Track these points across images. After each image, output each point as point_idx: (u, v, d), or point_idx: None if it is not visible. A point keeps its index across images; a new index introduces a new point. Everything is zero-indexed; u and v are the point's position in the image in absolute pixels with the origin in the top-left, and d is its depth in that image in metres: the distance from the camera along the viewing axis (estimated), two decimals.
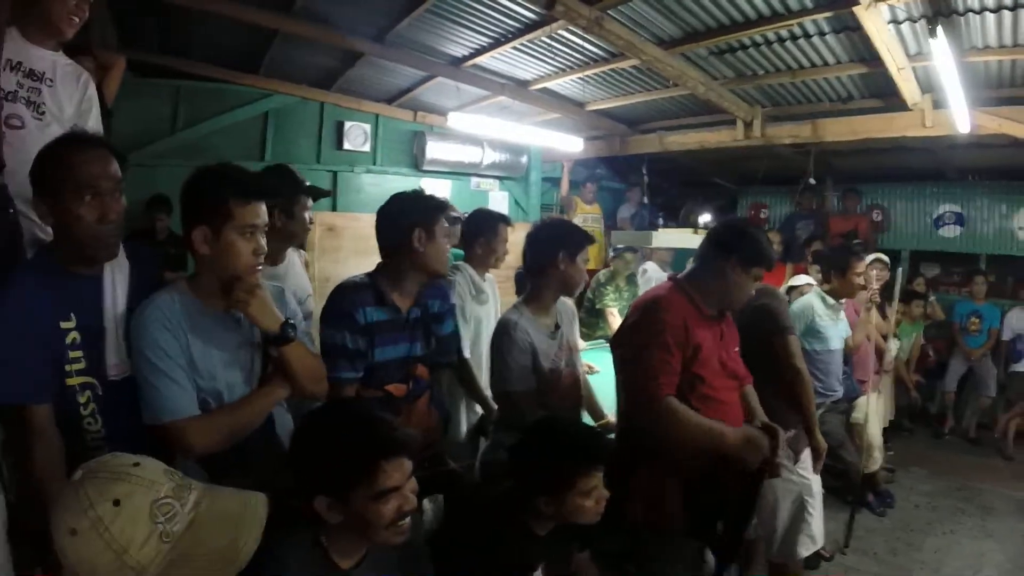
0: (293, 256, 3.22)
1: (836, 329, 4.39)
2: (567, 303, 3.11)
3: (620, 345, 2.70)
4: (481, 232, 3.85)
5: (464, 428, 3.62)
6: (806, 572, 4.07)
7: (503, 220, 3.93)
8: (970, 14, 4.58)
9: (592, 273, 6.29)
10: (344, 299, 2.52)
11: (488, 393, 3.31)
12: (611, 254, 7.02)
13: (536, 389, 2.73)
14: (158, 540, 1.28)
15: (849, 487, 4.84)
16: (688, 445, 2.45)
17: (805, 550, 3.50)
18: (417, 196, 2.68)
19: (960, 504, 5.60)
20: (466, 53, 5.93)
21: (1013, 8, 4.46)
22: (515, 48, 5.68)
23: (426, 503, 2.64)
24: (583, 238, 2.90)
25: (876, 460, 5.24)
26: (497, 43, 5.61)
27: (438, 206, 2.64)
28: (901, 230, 9.17)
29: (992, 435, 7.27)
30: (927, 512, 5.39)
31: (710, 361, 2.57)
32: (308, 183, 3.15)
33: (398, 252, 2.58)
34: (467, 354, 3.55)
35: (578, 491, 2.10)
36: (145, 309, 1.94)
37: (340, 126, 7.45)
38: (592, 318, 6.30)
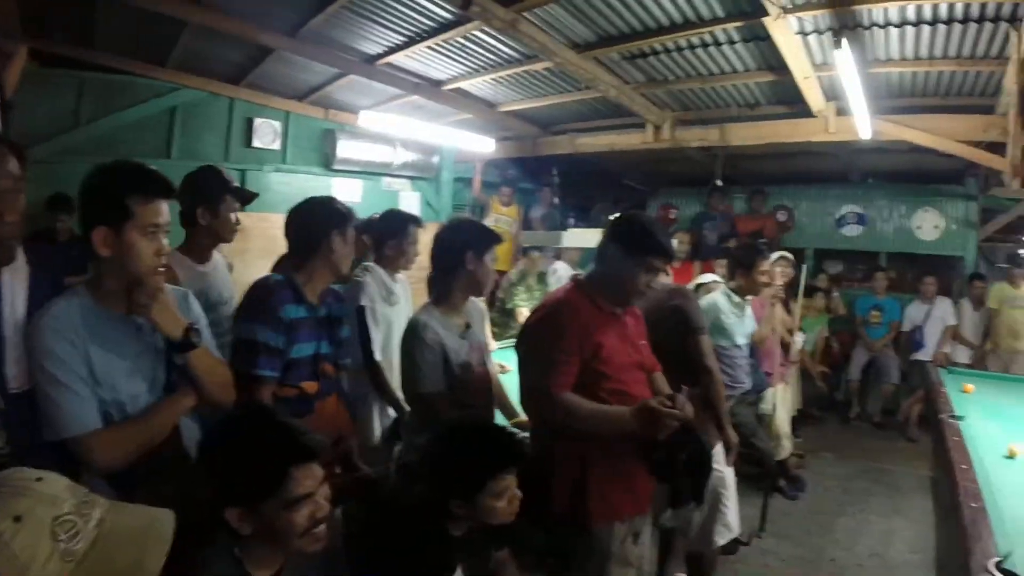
0: (219, 257, 3.21)
1: (742, 325, 4.53)
2: (477, 303, 3.09)
3: (522, 344, 2.72)
4: (391, 233, 3.84)
5: (377, 432, 3.59)
6: (724, 558, 4.23)
7: (413, 221, 3.92)
8: (875, 28, 4.90)
9: (502, 274, 6.39)
10: (266, 296, 2.50)
11: (401, 395, 3.23)
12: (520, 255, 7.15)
13: (448, 390, 2.71)
14: (60, 559, 1.21)
15: (763, 474, 5.00)
16: (591, 434, 2.46)
17: (721, 539, 3.62)
18: (333, 200, 2.76)
19: (869, 485, 5.90)
20: (380, 51, 5.88)
21: (916, 24, 4.80)
22: (430, 47, 5.68)
23: (339, 511, 2.66)
24: (490, 237, 2.89)
25: (785, 448, 5.47)
26: (412, 42, 5.59)
27: (350, 211, 2.73)
28: (806, 229, 9.58)
29: (896, 420, 7.74)
30: (838, 494, 5.65)
31: (614, 357, 2.58)
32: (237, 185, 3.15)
33: (313, 253, 2.61)
34: (378, 356, 3.52)
35: (490, 492, 2.09)
36: (41, 317, 1.82)
37: (250, 123, 7.19)
38: (503, 318, 6.37)
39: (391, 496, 2.55)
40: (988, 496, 2.62)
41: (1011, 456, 3.31)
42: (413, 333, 2.72)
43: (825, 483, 5.89)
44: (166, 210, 1.94)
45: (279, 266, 3.13)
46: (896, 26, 4.86)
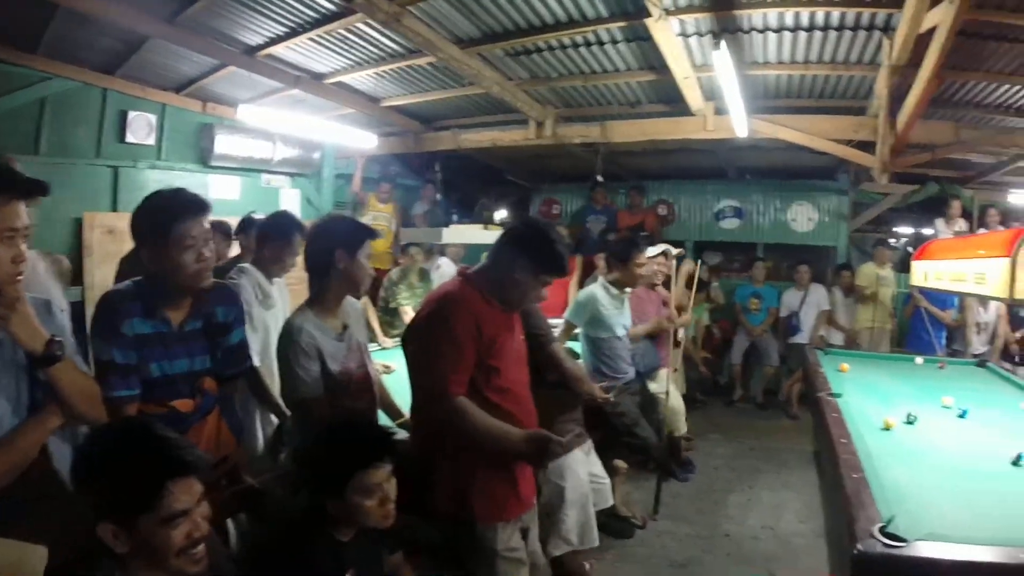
0: (36, 260, 2.82)
1: (620, 317, 4.61)
2: (354, 302, 2.95)
3: (411, 342, 2.65)
4: (273, 237, 3.70)
5: (261, 440, 3.42)
6: (621, 542, 4.40)
7: (300, 230, 3.71)
8: (754, 32, 5.17)
9: (381, 273, 6.33)
10: (109, 311, 2.26)
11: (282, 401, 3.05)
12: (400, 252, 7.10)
13: (327, 393, 2.59)
14: None
15: (650, 460, 5.07)
16: (475, 441, 2.43)
17: (557, 550, 3.55)
18: (175, 196, 2.33)
19: (756, 462, 6.17)
20: (261, 42, 5.71)
21: (794, 30, 5.10)
22: (312, 39, 5.58)
23: (229, 524, 2.58)
24: (362, 233, 2.75)
25: (683, 425, 5.62)
26: (294, 33, 5.47)
27: (200, 202, 2.35)
28: (686, 223, 9.96)
29: (778, 400, 8.17)
30: (727, 473, 5.87)
31: (505, 352, 2.56)
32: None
33: (159, 252, 2.28)
34: (257, 362, 3.28)
35: (358, 490, 2.04)
36: None
37: (123, 116, 6.70)
38: (388, 317, 6.30)
39: (276, 506, 2.50)
40: (868, 466, 2.79)
41: (887, 428, 3.54)
42: (288, 338, 2.61)
43: (714, 463, 6.10)
44: (24, 212, 1.75)
45: (127, 263, 2.88)
46: (775, 31, 5.17)
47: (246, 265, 3.68)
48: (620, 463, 4.60)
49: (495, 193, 11.28)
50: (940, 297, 7.03)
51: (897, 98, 5.71)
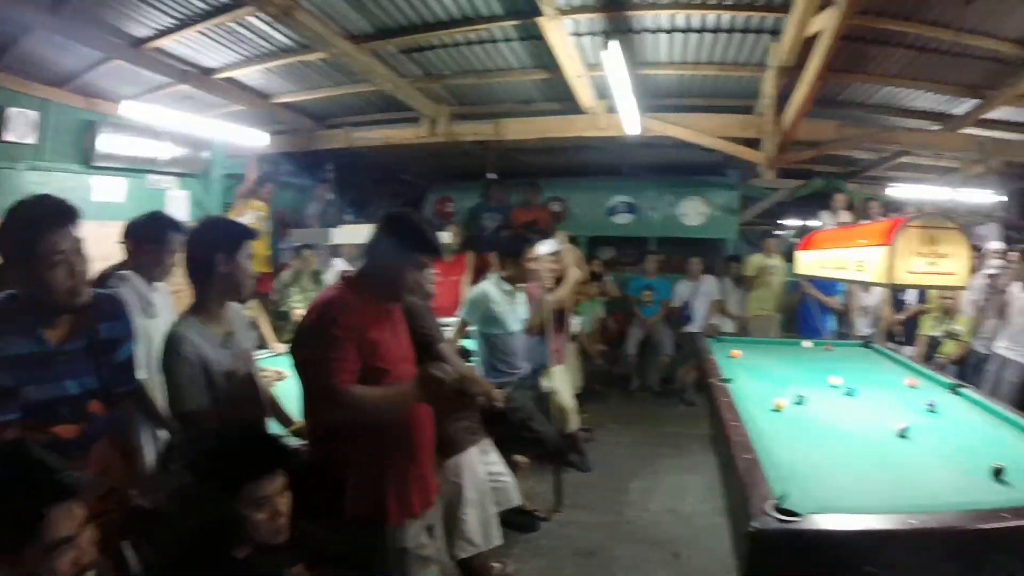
0: None
1: (514, 313, 4.59)
2: (238, 308, 2.83)
3: (296, 350, 2.53)
4: (147, 239, 3.47)
5: (152, 458, 3.15)
6: (527, 536, 4.42)
7: (173, 227, 3.51)
8: (645, 33, 5.31)
9: (266, 275, 6.20)
10: None
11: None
12: (291, 254, 6.99)
13: (213, 404, 2.45)
14: None
15: (549, 453, 5.04)
16: (383, 419, 2.42)
17: (463, 552, 3.54)
18: (38, 205, 2.18)
19: (655, 448, 6.31)
20: (149, 34, 5.47)
21: (685, 31, 5.29)
22: (201, 32, 5.39)
23: (127, 549, 2.44)
24: (241, 234, 2.63)
25: (574, 421, 5.60)
26: (182, 25, 5.28)
27: (67, 209, 2.17)
28: (579, 219, 10.08)
29: (674, 387, 8.37)
30: (628, 460, 5.98)
31: (390, 353, 2.52)
32: None
33: (29, 266, 2.10)
34: (142, 375, 3.06)
35: (247, 504, 1.98)
36: None
37: (0, 112, 6.15)
38: (280, 321, 6.12)
39: (170, 527, 2.38)
40: (760, 446, 2.90)
41: (777, 409, 3.71)
42: (170, 348, 2.44)
43: (615, 451, 6.21)
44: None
45: None
46: (666, 32, 5.36)
47: (126, 272, 3.43)
48: (520, 458, 4.61)
49: (389, 192, 11.17)
50: (826, 284, 7.39)
51: (783, 98, 6.00)
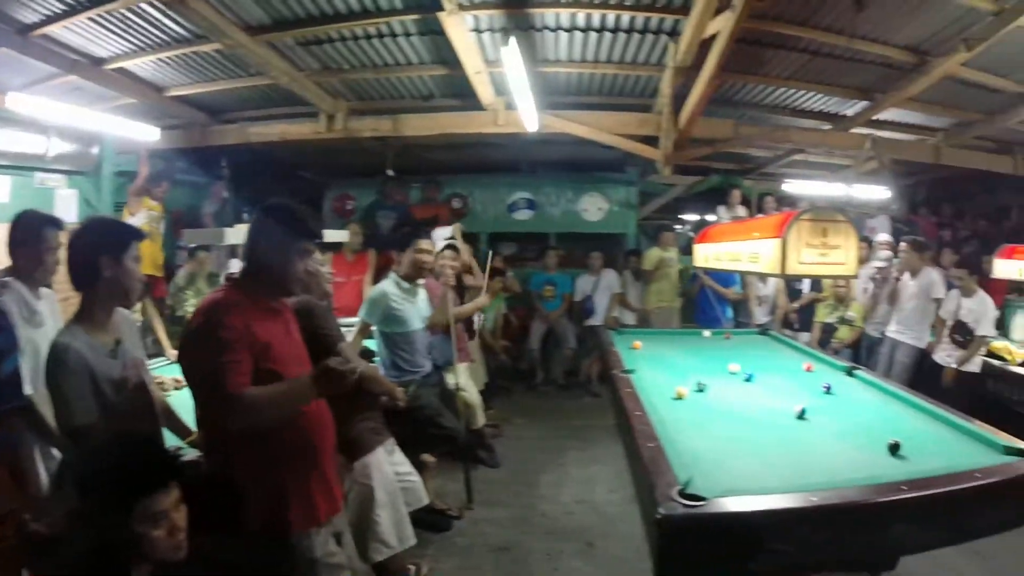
0: None
1: (415, 310, 4.56)
2: (126, 314, 2.69)
3: (184, 356, 2.43)
4: (24, 240, 3.22)
5: (44, 480, 2.99)
6: (441, 535, 4.41)
7: (50, 224, 3.29)
8: (546, 31, 5.35)
9: (150, 279, 5.98)
10: None
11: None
12: (185, 255, 6.74)
13: (103, 417, 2.32)
14: None
15: (457, 451, 5.02)
16: (282, 419, 2.32)
17: (378, 555, 3.50)
18: None
19: (563, 441, 6.40)
20: (36, 20, 5.13)
21: (585, 30, 5.36)
22: (92, 19, 5.10)
23: None
24: (127, 235, 2.52)
25: (480, 418, 5.66)
26: (72, 11, 4.97)
27: None
28: (480, 216, 10.13)
29: (578, 380, 8.55)
30: (537, 454, 6.04)
31: (283, 355, 2.42)
32: None
33: None
34: (28, 390, 2.91)
35: (142, 520, 1.87)
36: None
37: None
38: (176, 327, 5.86)
39: (64, 549, 2.23)
40: (663, 434, 2.97)
41: (679, 397, 3.81)
42: (54, 360, 2.31)
43: (523, 446, 6.26)
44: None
45: None
46: (566, 31, 5.40)
47: (6, 279, 3.20)
48: (428, 457, 4.59)
49: (287, 190, 10.86)
50: (723, 276, 7.62)
51: (680, 97, 6.15)
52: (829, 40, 5.45)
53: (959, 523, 2.48)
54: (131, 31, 5.41)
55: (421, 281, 4.68)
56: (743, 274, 7.26)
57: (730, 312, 8.01)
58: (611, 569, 4.03)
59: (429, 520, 4.34)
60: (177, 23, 5.20)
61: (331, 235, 7.31)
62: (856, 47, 5.54)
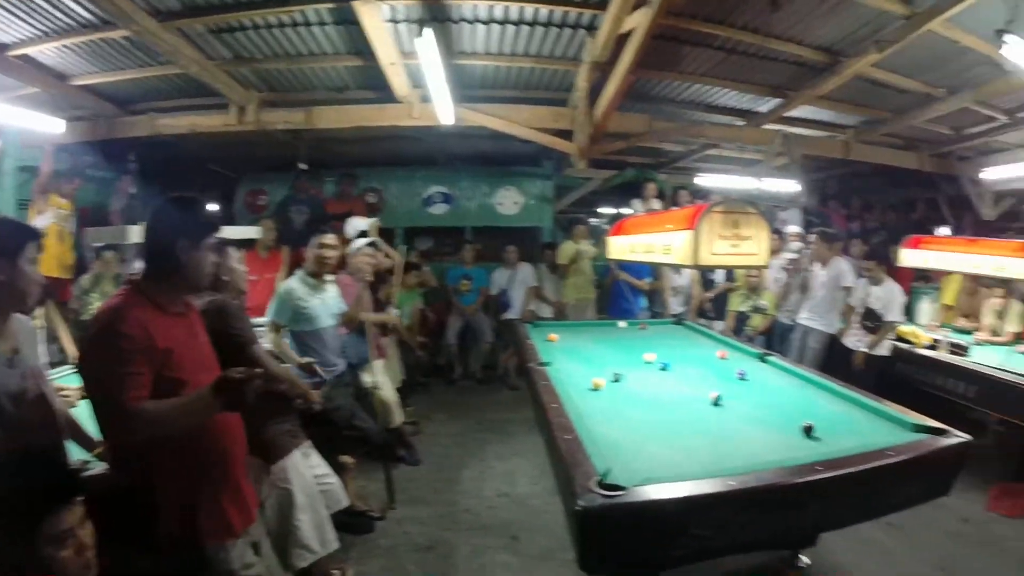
0: None
1: (325, 307, 4.46)
2: (24, 320, 2.49)
3: (82, 364, 2.32)
4: None
5: None
6: (364, 537, 4.33)
7: None
8: (463, 23, 5.34)
9: (57, 282, 5.80)
10: None
11: None
12: (92, 255, 6.44)
13: (1, 432, 2.12)
14: None
15: (376, 450, 4.99)
16: (184, 433, 2.21)
17: (302, 562, 3.43)
18: None
19: (484, 435, 6.41)
20: None
21: (502, 23, 5.37)
22: None
23: None
24: (22, 236, 2.31)
25: (397, 416, 5.55)
26: None
27: None
28: (396, 210, 10.03)
29: (497, 374, 8.60)
30: (457, 449, 6.03)
31: (188, 361, 2.31)
32: None
33: None
34: None
35: (46, 540, 1.82)
36: None
37: None
38: (82, 332, 5.44)
39: None
40: (580, 426, 3.00)
41: (596, 388, 3.85)
42: None
43: (443, 442, 6.23)
44: None
45: None
46: (484, 23, 5.41)
47: None
48: (346, 458, 4.49)
49: (199, 184, 10.52)
50: (637, 267, 7.74)
51: (597, 91, 6.23)
52: (745, 39, 5.63)
53: (874, 499, 2.60)
54: (34, 15, 5.14)
55: (331, 277, 4.59)
56: (657, 266, 7.38)
57: (644, 303, 8.13)
58: (537, 562, 4.05)
59: (351, 522, 4.27)
60: (83, 7, 4.98)
61: (243, 231, 7.14)
62: (771, 46, 5.75)
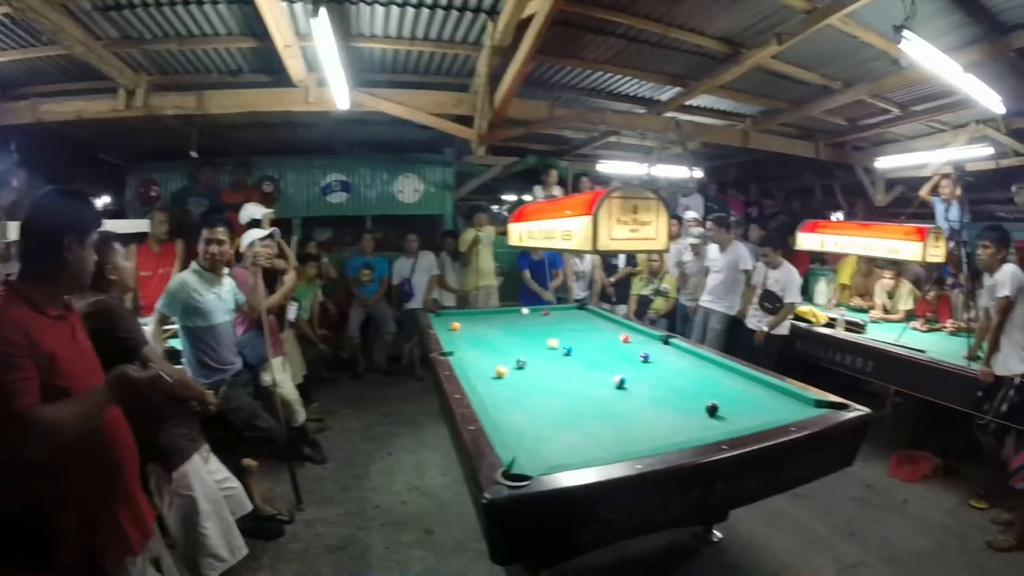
0: None
1: (220, 302, 4.28)
2: None
3: None
4: None
5: None
6: (275, 543, 4.17)
7: None
8: (361, 4, 5.18)
9: None
10: None
11: None
12: None
13: None
14: None
15: (279, 451, 4.80)
16: (80, 432, 2.06)
17: (213, 571, 3.31)
18: None
19: (391, 428, 6.32)
20: None
21: (401, 5, 5.23)
22: None
23: None
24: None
25: (300, 413, 5.41)
26: None
27: None
28: (293, 199, 9.75)
29: (402, 365, 8.52)
30: (364, 444, 5.93)
31: (72, 366, 2.16)
32: None
33: None
34: None
35: None
36: None
37: None
38: None
39: None
40: (484, 416, 2.98)
41: (499, 377, 3.86)
42: None
43: (349, 438, 6.11)
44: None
45: None
46: (382, 5, 5.25)
47: None
48: (249, 461, 4.33)
49: (87, 175, 9.96)
50: (551, 255, 7.85)
51: (497, 77, 6.19)
52: (647, 27, 5.66)
53: (780, 474, 2.69)
54: None
55: (226, 271, 4.41)
56: (560, 252, 7.45)
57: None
58: (452, 554, 4.02)
59: (259, 527, 4.13)
60: None
61: (133, 224, 6.82)
62: (673, 35, 5.82)
